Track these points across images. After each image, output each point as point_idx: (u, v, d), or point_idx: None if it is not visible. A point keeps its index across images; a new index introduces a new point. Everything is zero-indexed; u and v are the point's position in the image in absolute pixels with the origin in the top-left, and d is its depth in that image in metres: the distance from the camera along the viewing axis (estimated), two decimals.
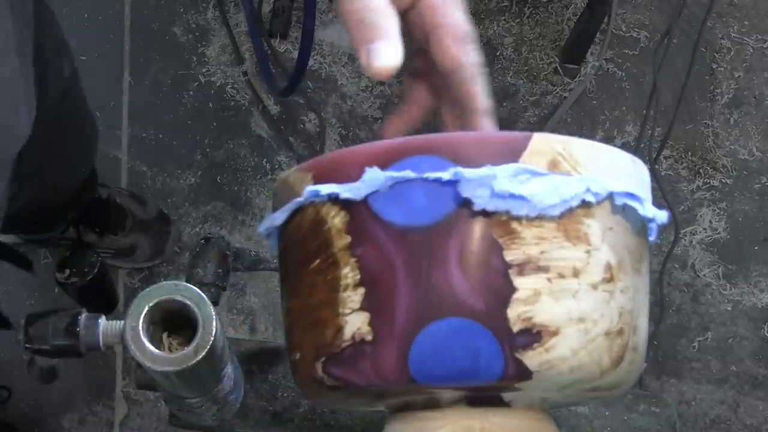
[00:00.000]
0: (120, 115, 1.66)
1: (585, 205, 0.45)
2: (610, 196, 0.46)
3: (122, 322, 0.56)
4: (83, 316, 0.59)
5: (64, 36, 1.02)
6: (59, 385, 1.58)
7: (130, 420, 1.54)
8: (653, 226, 0.51)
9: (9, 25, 0.68)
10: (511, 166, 0.44)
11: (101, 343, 0.59)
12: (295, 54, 1.65)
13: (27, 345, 0.60)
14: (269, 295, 1.62)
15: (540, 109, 1.85)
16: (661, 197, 1.58)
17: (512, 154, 0.44)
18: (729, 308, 1.71)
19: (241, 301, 1.60)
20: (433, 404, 0.50)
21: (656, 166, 1.72)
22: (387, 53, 0.47)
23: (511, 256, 0.44)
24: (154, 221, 1.52)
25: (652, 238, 0.52)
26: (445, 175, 0.44)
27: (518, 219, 0.44)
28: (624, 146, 1.78)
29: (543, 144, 0.45)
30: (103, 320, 0.59)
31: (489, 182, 0.43)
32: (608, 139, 1.80)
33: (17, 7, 0.70)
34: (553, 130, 1.65)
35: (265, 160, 1.73)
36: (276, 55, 1.82)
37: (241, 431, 0.79)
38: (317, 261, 0.48)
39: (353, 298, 0.46)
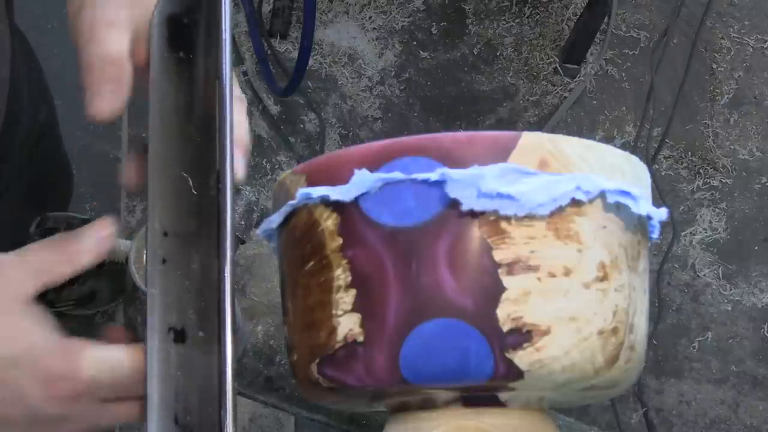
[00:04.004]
0: (120, 116, 1.67)
1: (575, 203, 0.45)
2: (602, 194, 0.46)
3: (130, 242, 0.59)
4: None
5: (46, 83, 1.02)
6: None
7: None
8: (654, 224, 0.51)
9: None
10: (498, 166, 0.44)
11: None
12: (295, 54, 1.65)
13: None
14: (269, 294, 1.62)
15: (540, 109, 1.85)
16: (660, 197, 1.58)
17: (501, 154, 0.44)
18: (729, 308, 1.71)
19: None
20: (429, 404, 0.50)
21: (656, 166, 1.72)
22: (108, 100, 0.48)
23: (500, 255, 0.44)
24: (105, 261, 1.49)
25: (654, 236, 0.52)
26: (433, 176, 0.44)
27: (507, 218, 0.44)
28: (624, 146, 1.78)
29: (532, 143, 0.45)
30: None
31: (476, 182, 0.43)
32: (608, 139, 1.80)
33: None
34: (553, 130, 1.65)
35: (265, 160, 1.73)
36: (276, 55, 1.82)
37: None
38: (311, 263, 0.48)
39: (345, 299, 0.47)
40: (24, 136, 0.93)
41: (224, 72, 0.46)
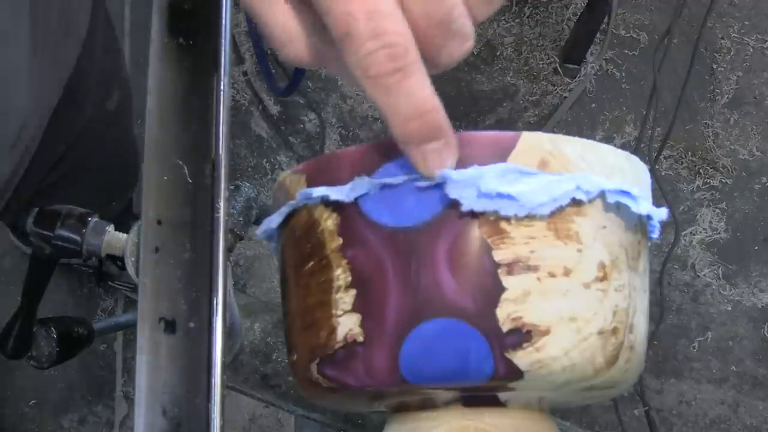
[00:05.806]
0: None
1: (575, 203, 0.45)
2: (602, 194, 0.46)
3: (126, 236, 0.59)
4: (94, 220, 0.62)
5: (125, 73, 0.99)
6: (59, 385, 1.58)
7: (130, 420, 1.54)
8: (654, 224, 0.51)
9: (26, 24, 0.68)
10: (499, 166, 0.44)
11: (102, 249, 0.61)
12: None
13: (34, 227, 0.61)
14: (269, 294, 1.63)
15: (540, 109, 1.85)
16: (661, 197, 1.58)
17: (501, 154, 0.44)
18: (729, 308, 1.71)
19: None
20: (428, 405, 0.50)
21: (656, 166, 1.72)
22: (449, 154, 0.43)
23: (499, 255, 0.44)
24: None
25: (654, 236, 0.51)
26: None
27: (507, 219, 0.44)
28: (624, 146, 1.78)
29: (532, 143, 0.45)
30: (111, 229, 0.61)
31: (475, 182, 0.43)
32: (608, 140, 1.81)
33: (39, 15, 0.70)
34: (553, 130, 1.65)
35: (265, 160, 1.73)
36: (276, 55, 1.82)
37: (230, 384, 0.79)
38: (311, 263, 0.48)
39: (345, 299, 0.46)
40: (86, 116, 0.92)
41: (223, 59, 0.46)
